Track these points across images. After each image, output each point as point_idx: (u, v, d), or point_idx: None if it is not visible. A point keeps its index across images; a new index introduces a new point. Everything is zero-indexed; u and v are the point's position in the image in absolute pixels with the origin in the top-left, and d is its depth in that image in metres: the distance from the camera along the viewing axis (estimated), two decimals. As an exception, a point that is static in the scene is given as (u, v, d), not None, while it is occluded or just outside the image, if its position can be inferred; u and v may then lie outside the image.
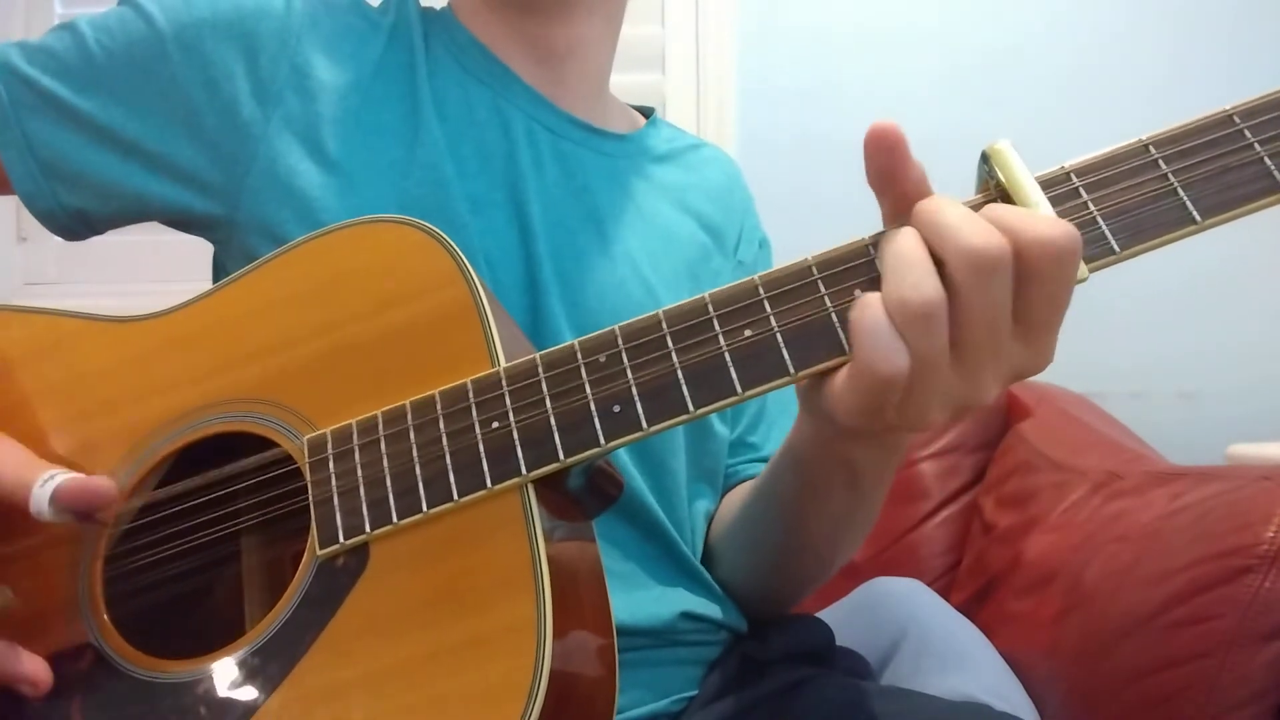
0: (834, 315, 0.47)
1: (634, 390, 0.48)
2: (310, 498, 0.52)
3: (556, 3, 0.78)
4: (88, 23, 0.72)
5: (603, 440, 0.48)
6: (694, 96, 1.73)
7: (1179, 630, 0.82)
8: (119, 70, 0.70)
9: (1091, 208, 0.46)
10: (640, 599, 0.70)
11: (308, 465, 0.53)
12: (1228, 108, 0.46)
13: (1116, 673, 0.88)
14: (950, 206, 0.45)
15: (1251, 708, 0.77)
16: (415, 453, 0.51)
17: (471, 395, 0.51)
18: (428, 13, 0.80)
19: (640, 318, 0.50)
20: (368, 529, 0.50)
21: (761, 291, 0.48)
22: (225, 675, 0.50)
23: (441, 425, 0.51)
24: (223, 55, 0.71)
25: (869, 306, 0.45)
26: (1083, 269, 0.45)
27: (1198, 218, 0.45)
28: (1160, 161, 0.46)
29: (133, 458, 0.58)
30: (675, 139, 0.89)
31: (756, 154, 1.64)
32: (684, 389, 0.48)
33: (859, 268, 0.47)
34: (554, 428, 0.49)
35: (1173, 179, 0.46)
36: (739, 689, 0.71)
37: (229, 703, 0.49)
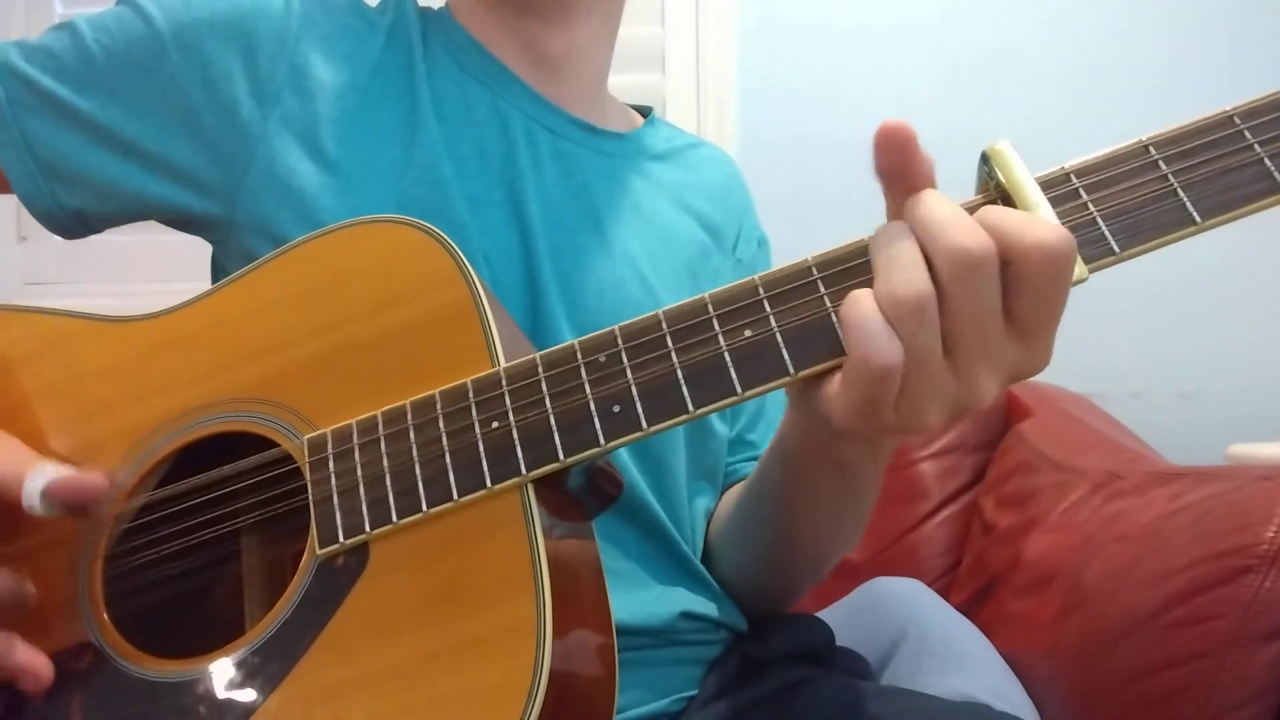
0: (834, 315, 0.47)
1: (634, 390, 0.48)
2: (310, 497, 0.52)
3: (555, 3, 0.78)
4: (86, 22, 0.72)
5: (602, 440, 0.48)
6: (694, 96, 1.73)
7: (1179, 630, 0.82)
8: (117, 70, 0.70)
9: (1091, 208, 0.46)
10: (640, 598, 0.70)
11: (307, 465, 0.53)
12: (1228, 108, 0.46)
13: (1116, 673, 0.88)
14: (940, 204, 0.45)
15: (1251, 708, 0.77)
16: (415, 452, 0.51)
17: (471, 395, 0.51)
18: (426, 13, 0.80)
19: (640, 318, 0.50)
20: (367, 528, 0.50)
21: (761, 291, 0.48)
22: (225, 674, 0.50)
23: (441, 425, 0.51)
24: (221, 55, 0.71)
25: (859, 301, 0.45)
26: (1083, 269, 0.45)
27: (1198, 218, 0.45)
28: (1160, 162, 0.46)
29: (132, 457, 0.58)
30: (674, 138, 0.89)
31: (756, 154, 1.64)
32: (684, 389, 0.48)
33: (859, 268, 0.47)
34: (554, 427, 0.49)
35: (1173, 180, 0.46)
36: (739, 689, 0.71)
37: (229, 702, 0.49)
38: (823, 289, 0.48)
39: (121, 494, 0.57)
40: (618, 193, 0.79)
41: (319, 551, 0.51)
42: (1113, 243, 0.45)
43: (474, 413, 0.50)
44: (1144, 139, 0.47)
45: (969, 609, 1.17)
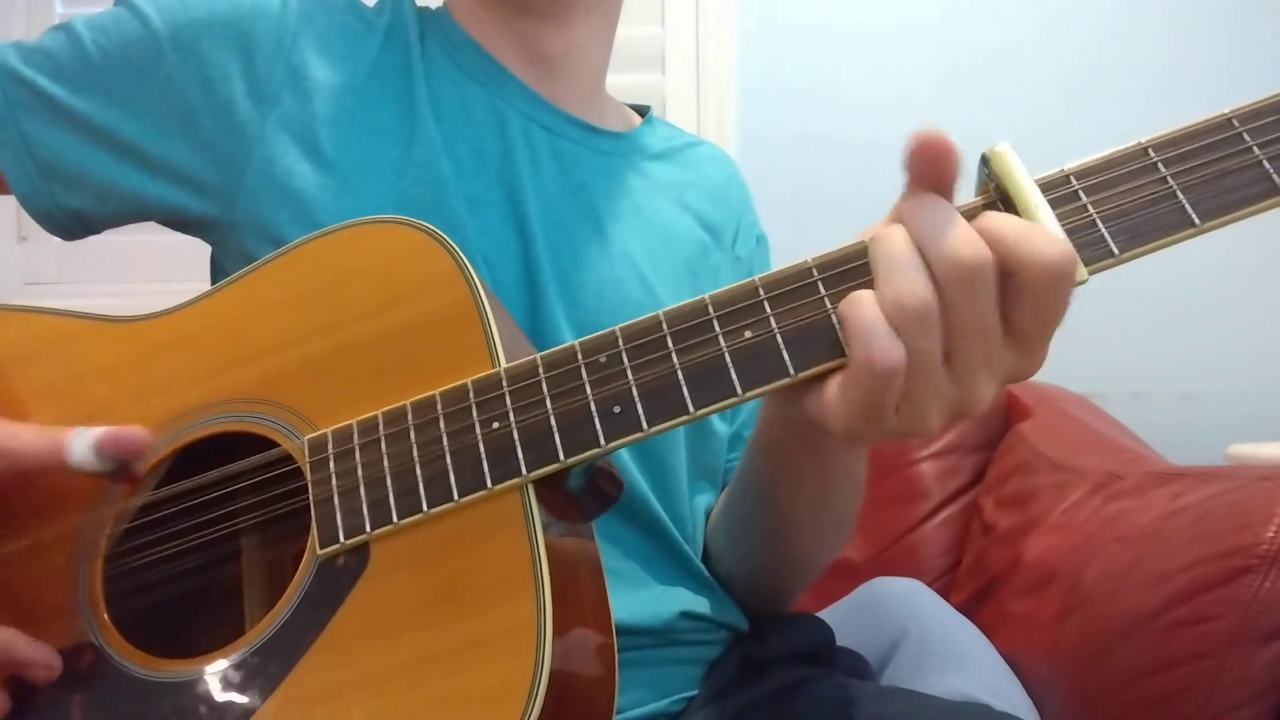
0: (834, 316, 0.47)
1: (634, 391, 0.48)
2: (310, 497, 0.52)
3: (553, 2, 0.78)
4: (84, 23, 0.72)
5: (603, 441, 0.48)
6: (694, 96, 1.73)
7: (1179, 631, 0.82)
8: (115, 71, 0.70)
9: (1091, 210, 0.46)
10: (641, 598, 0.70)
11: (308, 465, 0.53)
12: (1226, 111, 0.47)
13: (1116, 673, 0.88)
14: (938, 211, 0.45)
15: (1251, 708, 0.77)
16: (416, 453, 0.51)
17: (472, 395, 0.51)
18: (423, 12, 0.80)
19: (640, 318, 0.50)
20: (368, 529, 0.50)
21: (762, 293, 0.48)
22: (225, 675, 0.50)
23: (442, 425, 0.51)
24: (219, 56, 0.71)
25: (860, 303, 0.45)
26: (1082, 271, 0.45)
27: (1197, 220, 0.45)
28: (1160, 164, 0.46)
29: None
30: (672, 137, 0.89)
31: (756, 154, 1.64)
32: (684, 390, 0.48)
33: (859, 269, 0.47)
34: (554, 428, 0.49)
35: (1172, 182, 0.46)
36: (739, 689, 0.71)
37: (228, 703, 0.49)
38: (823, 290, 0.48)
39: (122, 494, 0.57)
40: (616, 192, 0.79)
41: (319, 552, 0.51)
42: (1112, 245, 0.45)
43: (474, 413, 0.50)
44: (1143, 141, 0.47)
45: (969, 609, 1.17)
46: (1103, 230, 0.45)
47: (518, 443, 0.49)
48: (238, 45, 0.71)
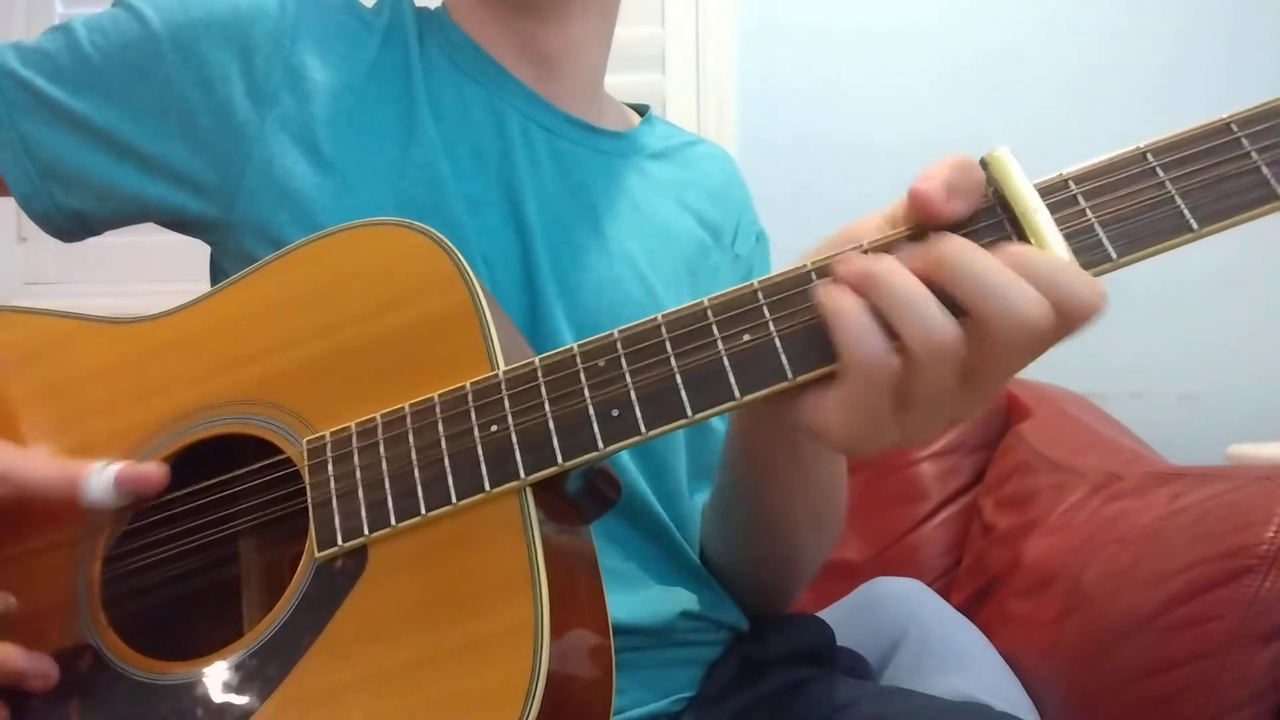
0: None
1: (632, 394, 0.48)
2: (309, 500, 0.52)
3: (551, 1, 0.78)
4: (82, 24, 0.72)
5: (601, 444, 0.48)
6: (694, 96, 1.73)
7: (1179, 631, 0.82)
8: (113, 71, 0.70)
9: (1089, 215, 0.46)
10: (641, 598, 0.70)
11: (306, 467, 0.53)
12: (1225, 116, 0.46)
13: (1116, 673, 0.88)
14: (902, 279, 0.44)
15: (1251, 708, 0.77)
16: (414, 455, 0.51)
17: (470, 398, 0.51)
18: (422, 13, 0.80)
19: (639, 322, 0.50)
20: (366, 531, 0.50)
21: (761, 296, 0.48)
22: (223, 677, 0.50)
23: (440, 428, 0.51)
24: (218, 56, 0.71)
25: (850, 315, 0.45)
26: None
27: (1195, 226, 0.45)
28: (1158, 169, 0.46)
29: (132, 459, 0.57)
30: (671, 136, 0.89)
31: (756, 154, 1.64)
32: (682, 393, 0.48)
33: None
34: (552, 431, 0.49)
35: (1170, 187, 0.46)
36: (739, 689, 0.71)
37: (227, 704, 0.49)
38: (822, 294, 0.48)
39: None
40: (615, 191, 0.79)
41: (317, 554, 0.51)
42: (1110, 249, 0.45)
43: (473, 416, 0.50)
44: (1141, 146, 0.47)
45: (969, 609, 1.17)
46: (1101, 235, 0.45)
47: (516, 446, 0.49)
48: (236, 45, 0.71)
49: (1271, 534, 0.79)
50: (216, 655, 0.51)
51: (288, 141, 0.70)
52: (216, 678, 0.50)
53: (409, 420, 0.52)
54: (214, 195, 0.71)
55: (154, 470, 0.54)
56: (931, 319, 0.43)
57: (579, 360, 0.50)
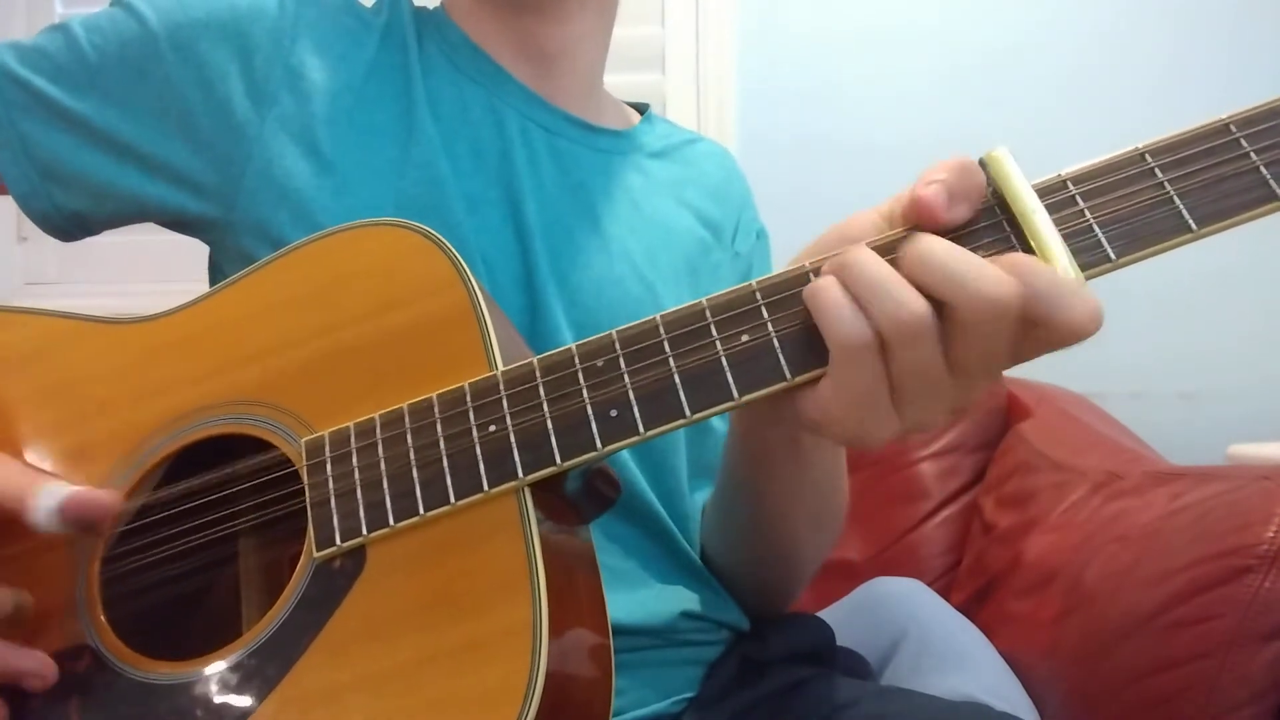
0: None
1: (631, 395, 0.48)
2: (307, 500, 0.52)
3: (550, 0, 0.78)
4: (80, 23, 0.71)
5: (599, 444, 0.48)
6: (694, 96, 1.73)
7: (1179, 630, 0.82)
8: (112, 71, 0.70)
9: (1088, 215, 0.46)
10: (641, 597, 0.70)
11: (305, 468, 0.53)
12: (1224, 117, 0.46)
13: (1116, 673, 0.88)
14: (875, 265, 0.46)
15: (1251, 708, 0.77)
16: (412, 456, 0.51)
17: (469, 399, 0.51)
18: (420, 12, 0.80)
19: (637, 322, 0.50)
20: (364, 531, 0.50)
21: (759, 297, 0.48)
22: (222, 677, 0.50)
23: (439, 428, 0.51)
24: (217, 56, 0.71)
25: (825, 294, 0.46)
26: (1079, 276, 0.45)
27: (1193, 226, 0.45)
28: (1156, 170, 0.46)
29: (131, 459, 0.58)
30: (671, 134, 0.89)
31: (756, 154, 1.64)
32: (681, 394, 0.48)
33: None
34: (551, 431, 0.49)
35: (1169, 187, 0.46)
36: (739, 689, 0.71)
37: (226, 704, 0.49)
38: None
39: (119, 497, 0.57)
40: (615, 190, 0.79)
41: (316, 554, 0.51)
42: (1109, 250, 0.45)
43: (471, 417, 0.50)
44: (1140, 146, 0.47)
45: (969, 609, 1.17)
46: (1100, 235, 0.45)
47: (514, 446, 0.49)
48: (235, 45, 0.71)
49: (1271, 534, 0.79)
50: (215, 655, 0.51)
51: (287, 141, 0.70)
52: (215, 677, 0.50)
53: (407, 420, 0.52)
54: (214, 195, 0.71)
55: (100, 497, 0.51)
56: (899, 299, 0.44)
57: (577, 360, 0.50)
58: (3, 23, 1.77)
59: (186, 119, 0.70)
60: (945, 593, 1.24)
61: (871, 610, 1.05)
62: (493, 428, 0.50)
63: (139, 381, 0.60)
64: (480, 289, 0.54)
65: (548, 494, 0.50)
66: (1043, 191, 0.47)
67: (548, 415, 0.49)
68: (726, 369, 0.47)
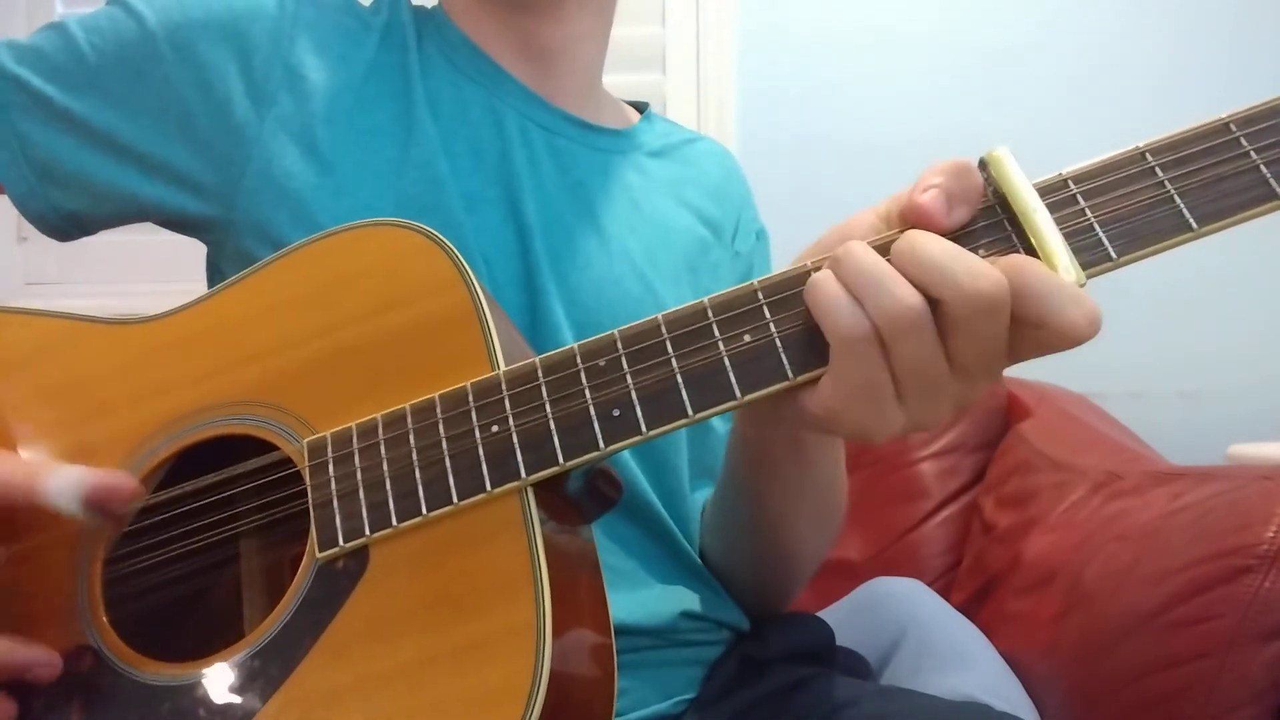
0: None
1: (633, 394, 0.48)
2: (310, 500, 0.52)
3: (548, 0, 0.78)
4: (77, 23, 0.71)
5: (602, 444, 0.48)
6: (694, 96, 1.73)
7: (1179, 630, 0.82)
8: (111, 71, 0.70)
9: (1089, 215, 0.46)
10: (642, 597, 0.70)
11: (307, 468, 0.53)
12: (1224, 116, 0.47)
13: (1116, 673, 0.88)
14: (867, 257, 0.46)
15: (1251, 708, 0.76)
16: (415, 456, 0.51)
17: (471, 399, 0.51)
18: (420, 12, 0.80)
19: (639, 322, 0.50)
20: (367, 531, 0.50)
21: (761, 296, 0.48)
22: (224, 678, 0.50)
23: (441, 428, 0.51)
24: (216, 56, 0.70)
25: (821, 287, 0.46)
26: (1080, 275, 0.45)
27: (1194, 225, 0.45)
28: (1157, 169, 0.46)
29: (132, 460, 0.57)
30: (670, 133, 0.89)
31: (756, 154, 1.64)
32: (683, 393, 0.48)
33: None
34: (553, 431, 0.49)
35: (1169, 186, 0.46)
36: (739, 689, 0.71)
37: (228, 705, 0.49)
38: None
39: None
40: (614, 189, 0.79)
41: (318, 555, 0.51)
42: (1110, 249, 0.45)
43: (474, 417, 0.50)
44: (1140, 146, 0.47)
45: (969, 609, 1.17)
46: (1100, 234, 0.46)
47: (517, 446, 0.49)
48: (234, 46, 0.71)
49: (1271, 534, 0.79)
50: (218, 656, 0.51)
51: (287, 141, 0.70)
52: (218, 678, 0.50)
53: (410, 420, 0.52)
54: (213, 195, 0.71)
55: (125, 483, 0.52)
56: (894, 293, 0.45)
57: (579, 360, 0.50)
58: (3, 23, 1.77)
59: (186, 119, 0.70)
60: (945, 592, 1.24)
61: (871, 610, 1.05)
62: (495, 428, 0.50)
63: (139, 382, 0.59)
64: (481, 288, 0.54)
65: (550, 494, 0.50)
66: (1043, 191, 0.47)
67: (550, 415, 0.49)
68: (729, 368, 0.48)
